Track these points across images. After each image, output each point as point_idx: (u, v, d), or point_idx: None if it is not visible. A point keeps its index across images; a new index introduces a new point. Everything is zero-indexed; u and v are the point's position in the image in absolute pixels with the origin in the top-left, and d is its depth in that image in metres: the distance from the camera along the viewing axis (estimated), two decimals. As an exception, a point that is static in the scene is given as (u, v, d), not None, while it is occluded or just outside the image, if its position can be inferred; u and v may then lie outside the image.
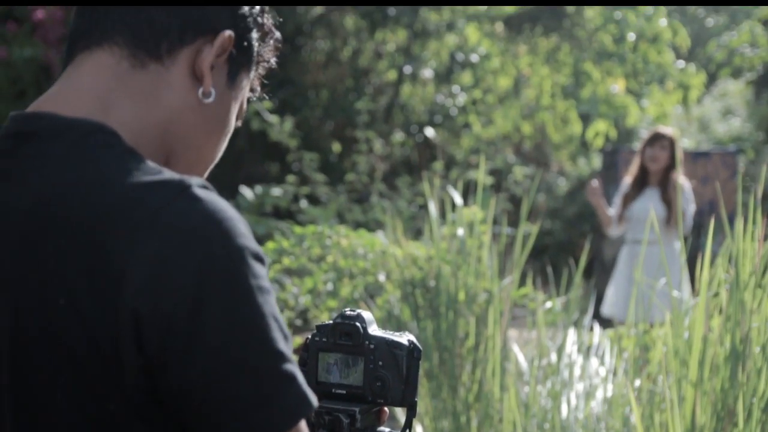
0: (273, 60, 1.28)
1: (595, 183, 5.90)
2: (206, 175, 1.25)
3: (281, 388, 1.03)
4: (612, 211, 5.78)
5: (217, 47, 1.16)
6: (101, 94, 1.13)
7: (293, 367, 1.04)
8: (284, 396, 1.03)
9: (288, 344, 1.05)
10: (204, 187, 1.06)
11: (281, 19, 1.31)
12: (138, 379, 1.01)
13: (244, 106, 1.27)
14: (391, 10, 9.28)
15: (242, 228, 1.04)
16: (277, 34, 1.27)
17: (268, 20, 1.25)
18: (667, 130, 5.87)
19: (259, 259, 1.04)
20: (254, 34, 1.22)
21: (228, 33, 1.17)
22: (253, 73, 1.24)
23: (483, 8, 9.92)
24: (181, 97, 1.16)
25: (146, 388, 1.01)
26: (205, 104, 1.17)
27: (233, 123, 1.23)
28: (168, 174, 1.06)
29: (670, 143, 5.64)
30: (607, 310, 5.67)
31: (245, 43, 1.20)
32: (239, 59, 1.20)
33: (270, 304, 1.04)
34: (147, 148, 1.13)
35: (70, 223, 1.03)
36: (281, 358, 1.03)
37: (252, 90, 1.28)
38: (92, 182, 1.05)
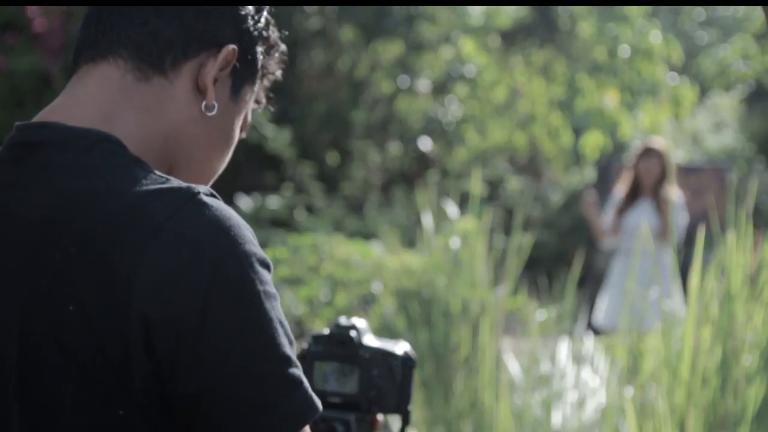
0: (278, 72, 1.29)
1: (590, 196, 5.94)
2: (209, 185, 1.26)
3: (288, 392, 1.05)
4: (606, 222, 5.81)
5: (221, 61, 1.17)
6: (106, 106, 1.14)
7: (299, 372, 1.06)
8: (291, 400, 1.05)
9: (293, 349, 1.07)
10: (211, 194, 1.08)
11: (286, 32, 1.33)
12: (146, 384, 1.03)
13: (248, 118, 1.28)
14: (388, 23, 9.31)
15: (249, 235, 1.06)
16: (282, 47, 1.28)
17: (273, 33, 1.26)
18: (658, 142, 5.91)
19: (266, 265, 1.07)
20: (259, 48, 1.23)
21: (232, 47, 1.18)
22: (257, 86, 1.26)
23: (479, 21, 9.94)
24: (185, 110, 1.17)
25: (155, 393, 1.03)
26: (208, 117, 1.19)
27: (237, 135, 1.25)
28: (175, 182, 1.08)
29: (662, 155, 5.68)
30: (600, 321, 5.69)
31: (249, 57, 1.21)
32: (243, 72, 1.21)
33: (276, 309, 1.06)
34: (150, 160, 1.14)
35: (77, 231, 1.05)
36: (287, 362, 1.05)
37: (257, 102, 1.29)
38: (99, 191, 1.07)
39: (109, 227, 1.04)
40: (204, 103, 1.17)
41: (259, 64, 1.24)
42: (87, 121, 1.13)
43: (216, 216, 1.05)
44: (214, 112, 1.18)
